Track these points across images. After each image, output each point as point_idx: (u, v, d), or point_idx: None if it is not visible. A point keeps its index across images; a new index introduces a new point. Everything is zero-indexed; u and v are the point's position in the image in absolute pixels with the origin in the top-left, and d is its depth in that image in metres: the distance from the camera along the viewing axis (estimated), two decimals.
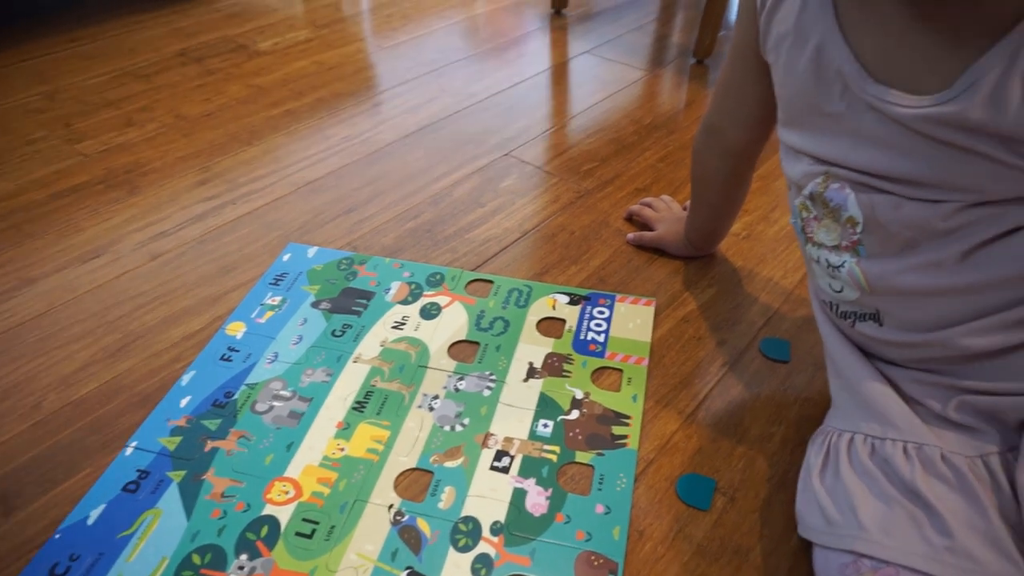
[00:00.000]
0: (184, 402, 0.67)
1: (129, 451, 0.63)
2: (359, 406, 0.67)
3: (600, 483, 0.60)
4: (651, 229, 0.88)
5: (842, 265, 0.57)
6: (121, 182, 0.99)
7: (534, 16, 1.55)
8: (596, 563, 0.55)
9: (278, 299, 0.79)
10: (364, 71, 1.31)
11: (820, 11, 0.53)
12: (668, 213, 0.89)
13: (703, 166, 0.77)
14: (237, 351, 0.72)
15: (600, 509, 0.58)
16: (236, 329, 0.75)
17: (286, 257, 0.85)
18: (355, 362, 0.71)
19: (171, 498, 0.59)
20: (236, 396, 0.67)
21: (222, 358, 0.71)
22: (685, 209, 0.89)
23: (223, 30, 1.47)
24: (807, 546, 0.55)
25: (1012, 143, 0.45)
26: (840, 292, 0.59)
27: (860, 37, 0.51)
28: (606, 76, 1.30)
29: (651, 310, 0.78)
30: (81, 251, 0.87)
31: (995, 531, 0.46)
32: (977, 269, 0.50)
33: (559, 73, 1.32)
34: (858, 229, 0.55)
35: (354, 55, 1.36)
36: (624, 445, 0.63)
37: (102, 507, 0.58)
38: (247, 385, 0.69)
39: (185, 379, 0.69)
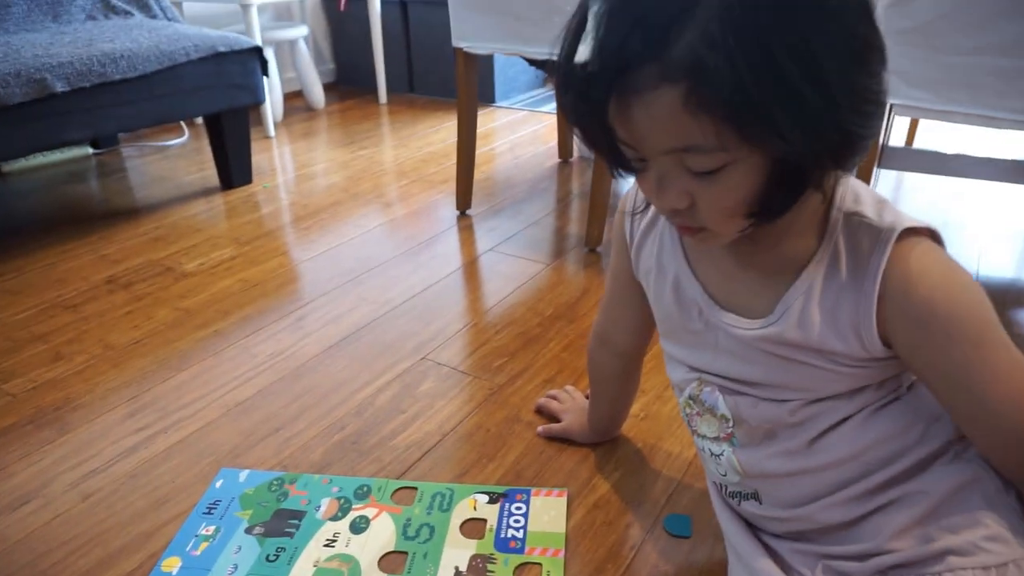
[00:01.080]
0: None
1: None
2: None
3: None
4: (558, 420, 0.97)
5: (722, 454, 0.68)
6: (50, 420, 1.03)
7: (441, 218, 1.72)
8: None
9: (212, 528, 0.82)
10: (287, 285, 1.41)
11: (673, 252, 0.67)
12: (572, 404, 0.99)
13: (598, 368, 0.89)
14: None
15: None
16: (171, 565, 0.78)
17: (219, 483, 0.89)
18: None
19: None
20: None
21: None
22: (587, 397, 0.99)
23: (149, 254, 1.56)
24: None
25: (824, 354, 0.58)
26: (725, 476, 0.69)
27: (705, 274, 0.65)
28: (510, 271, 1.44)
29: (564, 501, 0.85)
30: (11, 497, 0.89)
31: None
32: (822, 453, 0.62)
33: (468, 272, 1.45)
34: (729, 424, 0.66)
35: (277, 269, 1.47)
36: None
37: None
38: None
39: None
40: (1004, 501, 0.56)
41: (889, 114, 1.24)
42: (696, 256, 0.66)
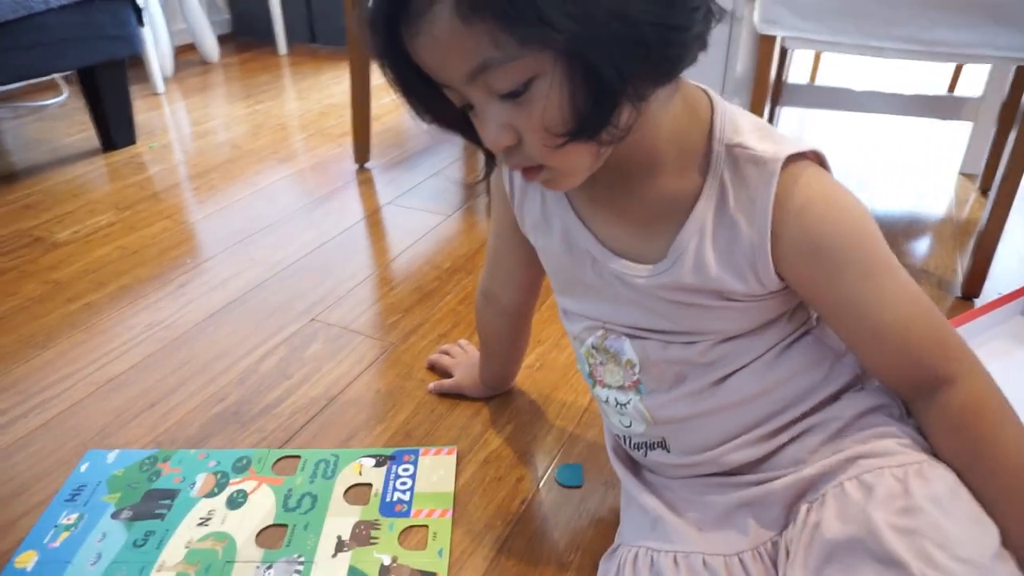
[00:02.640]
0: None
1: None
2: None
3: None
4: (451, 376, 0.94)
5: (628, 402, 0.65)
6: None
7: (339, 172, 1.64)
8: None
9: (74, 516, 0.77)
10: (170, 251, 1.32)
11: (557, 202, 0.63)
12: (465, 359, 0.96)
13: (485, 324, 0.85)
14: None
15: None
16: (26, 560, 0.72)
17: (84, 467, 0.83)
18: (159, 572, 0.70)
19: None
20: None
21: None
22: None
23: (17, 223, 1.44)
24: None
25: (723, 294, 0.56)
26: (630, 427, 0.67)
27: (593, 221, 0.61)
28: (407, 225, 1.39)
29: (453, 459, 0.82)
30: None
31: None
32: (730, 391, 0.60)
33: (363, 228, 1.39)
34: (636, 369, 0.63)
35: (159, 235, 1.38)
36: None
37: None
38: None
39: None
40: (907, 422, 0.58)
41: (782, 49, 1.22)
42: (582, 204, 0.62)
